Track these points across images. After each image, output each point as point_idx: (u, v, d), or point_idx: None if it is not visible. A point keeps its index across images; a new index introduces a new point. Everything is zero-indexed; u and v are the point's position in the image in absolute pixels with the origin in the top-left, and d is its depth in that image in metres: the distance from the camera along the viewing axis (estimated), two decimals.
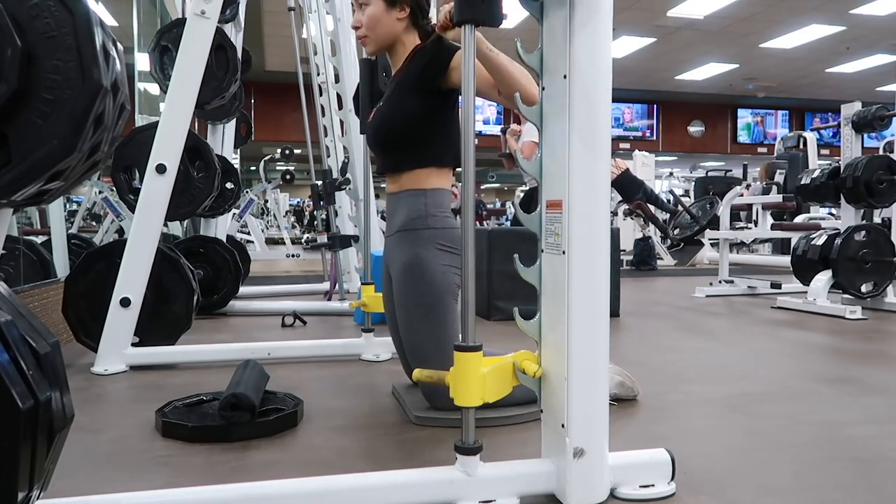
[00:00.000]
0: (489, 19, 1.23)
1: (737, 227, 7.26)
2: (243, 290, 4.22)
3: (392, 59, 1.99)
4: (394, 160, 1.91)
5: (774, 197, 6.98)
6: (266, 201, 14.67)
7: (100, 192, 5.62)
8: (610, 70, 1.24)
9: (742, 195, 6.33)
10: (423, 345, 1.80)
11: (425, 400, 1.85)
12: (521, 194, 7.13)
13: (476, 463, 1.24)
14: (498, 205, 16.85)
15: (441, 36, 1.75)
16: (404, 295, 1.84)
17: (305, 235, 10.76)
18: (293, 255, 8.08)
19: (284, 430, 1.72)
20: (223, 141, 4.21)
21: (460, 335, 1.25)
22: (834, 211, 7.54)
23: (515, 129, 5.25)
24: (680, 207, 6.90)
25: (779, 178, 7.87)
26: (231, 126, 4.32)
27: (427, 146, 1.85)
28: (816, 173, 4.27)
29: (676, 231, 6.44)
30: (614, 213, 7.83)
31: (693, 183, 10.87)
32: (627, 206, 7.25)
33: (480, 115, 14.03)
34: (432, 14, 1.94)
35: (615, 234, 4.37)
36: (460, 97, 1.83)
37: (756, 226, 7.56)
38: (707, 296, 4.82)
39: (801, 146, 9.19)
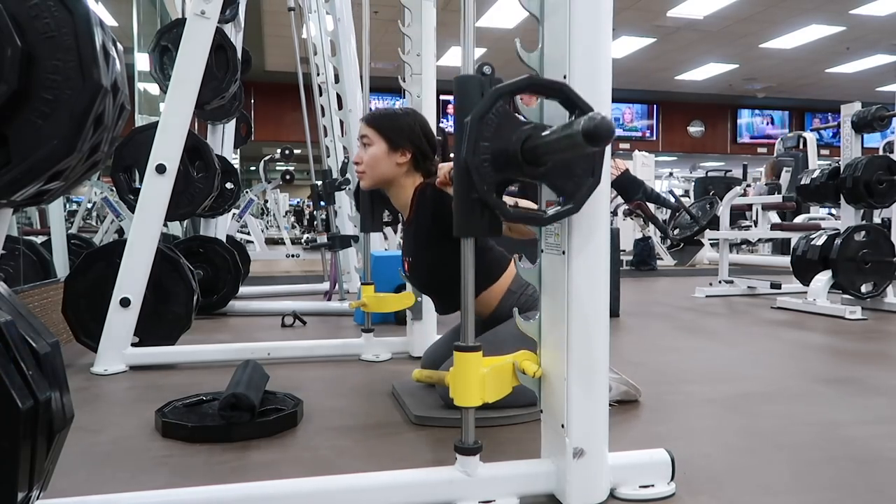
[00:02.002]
0: (488, 233, 1.24)
1: (742, 225, 7.25)
2: (243, 290, 4.22)
3: (391, 196, 2.03)
4: (454, 299, 1.96)
5: (774, 197, 6.99)
6: (266, 201, 14.67)
7: (100, 193, 5.62)
8: (610, 70, 1.24)
9: (744, 194, 6.32)
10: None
11: (440, 398, 1.86)
12: None
13: (476, 463, 1.24)
14: None
15: None
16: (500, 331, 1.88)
17: (305, 235, 10.76)
18: (293, 256, 8.08)
19: (284, 430, 1.72)
20: (223, 141, 4.21)
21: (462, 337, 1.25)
22: (834, 211, 7.54)
23: None
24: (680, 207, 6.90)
25: (785, 175, 7.86)
26: (231, 126, 4.32)
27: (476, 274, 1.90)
28: (816, 173, 4.27)
29: (676, 231, 6.44)
30: (614, 213, 7.83)
31: (693, 183, 10.88)
32: (627, 207, 7.24)
33: None
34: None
35: (615, 234, 4.37)
36: None
37: (756, 226, 7.56)
38: (707, 296, 4.82)
39: (801, 146, 9.19)
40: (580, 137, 0.96)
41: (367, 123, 1.96)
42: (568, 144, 1.04)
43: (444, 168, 1.70)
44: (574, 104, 1.16)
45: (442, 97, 2.97)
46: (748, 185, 7.87)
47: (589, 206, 1.24)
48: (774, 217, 7.30)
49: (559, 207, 1.19)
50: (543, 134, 1.11)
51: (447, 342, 2.09)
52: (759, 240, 8.17)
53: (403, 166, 1.94)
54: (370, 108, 2.84)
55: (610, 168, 1.31)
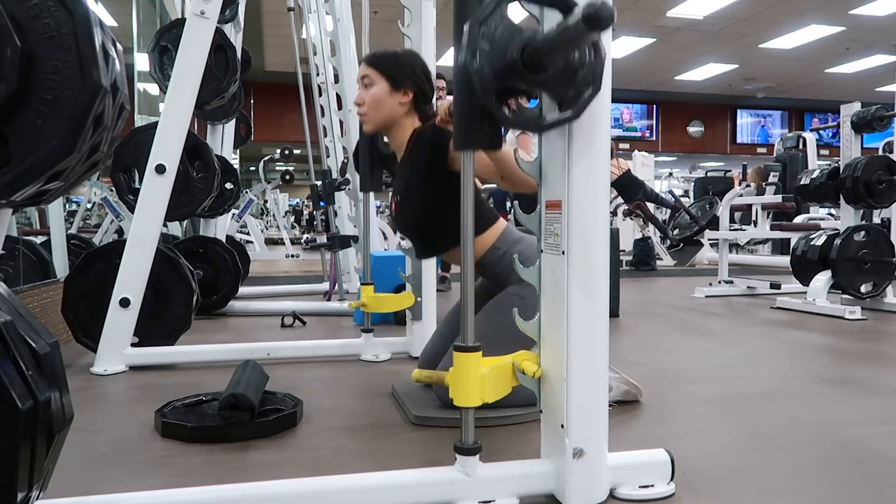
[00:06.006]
0: (488, 146, 1.23)
1: (731, 228, 7.25)
2: (243, 290, 4.22)
3: (391, 140, 2.01)
4: (438, 246, 1.96)
5: (774, 198, 6.98)
6: (265, 201, 14.68)
7: (99, 193, 5.62)
8: (610, 70, 1.24)
9: (741, 195, 6.32)
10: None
11: (436, 395, 1.86)
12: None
13: (475, 463, 1.24)
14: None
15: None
16: (498, 304, 1.86)
17: (305, 236, 10.77)
18: (292, 256, 8.08)
19: (284, 431, 1.72)
20: (223, 141, 4.21)
21: (461, 338, 1.25)
22: (833, 211, 7.53)
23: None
24: (680, 208, 6.90)
25: (773, 179, 7.86)
26: (231, 126, 4.32)
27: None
28: (816, 174, 4.28)
29: (676, 231, 6.44)
30: (614, 213, 7.83)
31: (693, 183, 10.88)
32: (627, 207, 7.24)
33: None
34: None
35: (615, 234, 4.37)
36: None
37: (755, 226, 7.56)
38: (706, 296, 4.82)
39: (801, 146, 9.19)
40: (581, 24, 0.94)
41: (369, 63, 1.92)
42: (569, 35, 1.01)
43: (445, 104, 1.67)
44: (572, 5, 1.12)
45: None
46: (748, 185, 7.85)
47: (588, 206, 1.24)
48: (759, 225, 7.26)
49: (557, 114, 1.17)
50: (545, 32, 1.10)
51: (441, 337, 2.07)
52: (752, 240, 8.15)
53: (405, 106, 1.92)
54: None
55: (611, 168, 1.31)
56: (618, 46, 11.07)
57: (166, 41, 3.24)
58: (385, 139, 2.16)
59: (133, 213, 2.57)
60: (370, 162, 2.29)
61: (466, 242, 1.26)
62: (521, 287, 1.80)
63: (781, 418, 1.87)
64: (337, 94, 4.18)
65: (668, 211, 7.60)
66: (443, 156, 1.80)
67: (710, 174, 11.76)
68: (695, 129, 16.28)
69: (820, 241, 4.07)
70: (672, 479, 1.34)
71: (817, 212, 7.79)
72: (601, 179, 1.25)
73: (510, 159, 1.54)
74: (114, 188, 3.20)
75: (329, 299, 4.14)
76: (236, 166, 6.09)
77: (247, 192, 8.23)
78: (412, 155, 1.92)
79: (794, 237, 4.88)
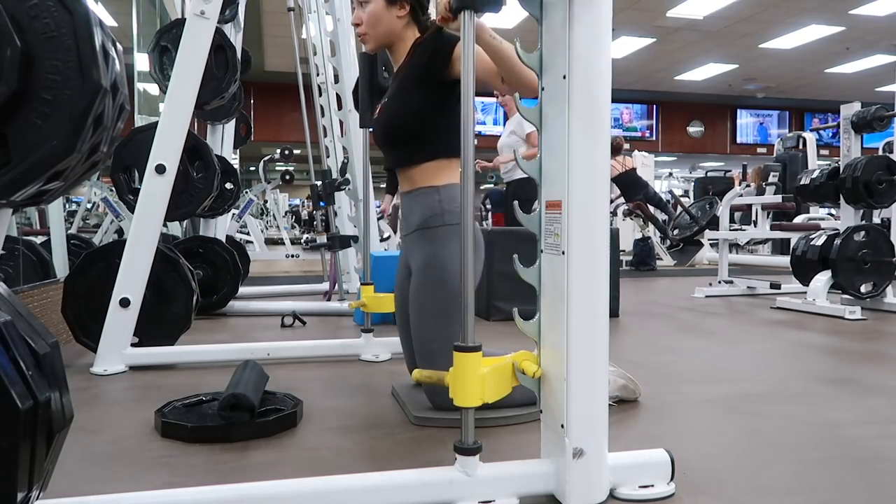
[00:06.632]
0: (488, 5, 1.22)
1: (731, 228, 7.26)
2: (243, 290, 4.22)
3: (392, 56, 1.99)
4: (403, 155, 1.90)
5: (774, 198, 6.98)
6: (265, 202, 14.69)
7: (99, 193, 5.62)
8: (610, 70, 1.24)
9: (741, 195, 6.33)
10: (431, 343, 1.79)
11: (427, 399, 1.85)
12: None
13: (475, 463, 1.24)
14: None
15: (440, 28, 1.74)
16: (419, 293, 1.83)
17: (305, 236, 10.76)
18: (292, 256, 8.08)
19: (284, 431, 1.72)
20: (223, 141, 4.21)
21: (460, 335, 1.25)
22: (833, 211, 7.53)
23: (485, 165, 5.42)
24: (679, 208, 6.89)
25: (773, 179, 7.87)
26: (230, 126, 4.32)
27: (435, 139, 1.84)
28: (816, 174, 4.28)
29: (676, 231, 6.44)
30: (614, 214, 7.83)
31: (693, 183, 10.88)
32: (627, 207, 7.25)
33: (490, 116, 14.00)
34: (431, 10, 1.93)
35: (615, 235, 4.37)
36: None
37: (755, 226, 7.56)
38: (706, 296, 4.82)
39: (801, 146, 9.20)
40: None
41: None
42: None
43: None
44: None
45: None
46: (748, 185, 7.85)
47: (588, 206, 1.24)
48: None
49: None
50: None
51: (402, 331, 2.00)
52: (752, 240, 8.16)
53: (403, 19, 1.89)
54: None
55: (610, 164, 1.31)
56: (618, 46, 11.07)
57: (166, 41, 3.24)
58: (385, 72, 2.14)
59: (133, 213, 2.57)
60: (369, 96, 2.24)
61: (467, 222, 1.25)
62: (428, 244, 1.80)
63: (782, 418, 1.87)
64: (337, 94, 4.18)
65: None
66: (444, 59, 1.76)
67: (710, 174, 11.78)
68: (695, 129, 16.27)
69: (820, 241, 4.07)
70: (672, 479, 1.34)
71: (817, 212, 7.80)
72: (601, 179, 1.26)
73: (511, 53, 1.52)
74: (114, 188, 3.20)
75: (329, 299, 4.14)
76: (236, 166, 6.09)
77: (247, 192, 8.23)
78: (409, 61, 1.88)
79: (794, 237, 4.88)
